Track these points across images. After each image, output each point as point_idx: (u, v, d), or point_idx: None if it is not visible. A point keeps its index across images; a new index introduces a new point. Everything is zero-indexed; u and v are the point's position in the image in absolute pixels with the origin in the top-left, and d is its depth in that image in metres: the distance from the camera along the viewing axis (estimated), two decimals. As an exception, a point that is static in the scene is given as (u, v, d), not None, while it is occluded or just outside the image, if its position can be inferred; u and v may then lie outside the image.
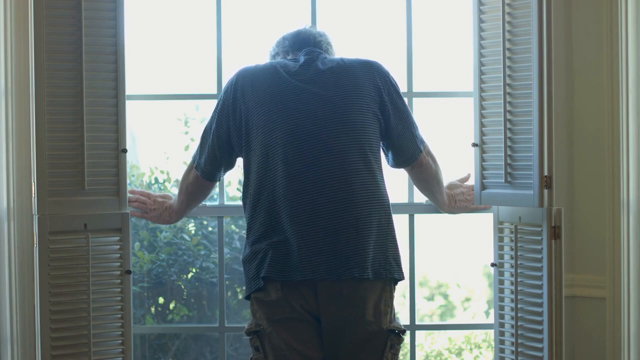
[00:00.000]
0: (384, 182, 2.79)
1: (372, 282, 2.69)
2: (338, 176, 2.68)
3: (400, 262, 2.78)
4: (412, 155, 2.92)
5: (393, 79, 2.88)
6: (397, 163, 2.94)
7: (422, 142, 2.94)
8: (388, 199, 2.79)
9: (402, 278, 2.77)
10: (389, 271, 2.72)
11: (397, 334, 2.75)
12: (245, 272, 2.78)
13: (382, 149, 2.89)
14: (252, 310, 2.75)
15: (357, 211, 2.68)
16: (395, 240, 2.78)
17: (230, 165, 2.96)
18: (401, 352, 5.50)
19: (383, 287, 2.72)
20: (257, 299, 2.72)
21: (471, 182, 3.22)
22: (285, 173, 2.69)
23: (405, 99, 3.31)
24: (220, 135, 2.87)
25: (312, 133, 2.70)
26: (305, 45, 2.91)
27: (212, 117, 2.91)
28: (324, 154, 2.69)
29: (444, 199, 3.12)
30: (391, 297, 2.76)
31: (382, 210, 2.73)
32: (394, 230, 2.78)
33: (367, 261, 2.67)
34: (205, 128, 2.94)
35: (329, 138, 2.70)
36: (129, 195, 3.13)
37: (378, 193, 2.73)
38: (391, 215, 2.78)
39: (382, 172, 2.79)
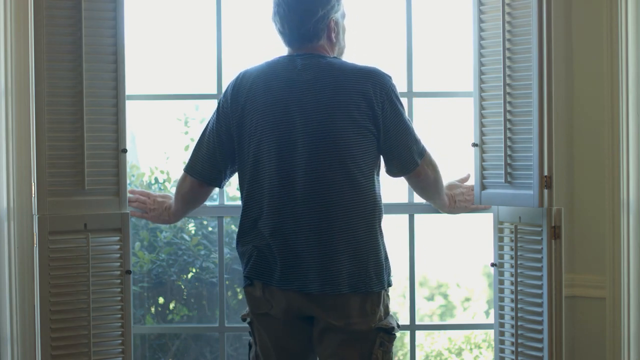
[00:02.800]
0: (373, 195, 2.73)
1: (351, 294, 2.70)
2: (317, 195, 2.68)
3: (382, 273, 2.73)
4: (407, 167, 2.85)
5: (391, 88, 2.77)
6: (392, 173, 2.88)
7: (422, 154, 2.86)
8: (375, 212, 2.73)
9: (382, 289, 2.74)
10: (368, 285, 2.70)
11: (386, 331, 2.74)
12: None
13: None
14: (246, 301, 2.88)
15: (333, 230, 2.68)
16: (379, 251, 2.74)
17: (232, 169, 2.92)
18: (401, 352, 5.50)
19: (366, 293, 2.72)
20: (247, 292, 2.82)
21: (471, 182, 3.22)
22: (269, 188, 2.72)
23: (405, 99, 3.31)
24: (221, 137, 2.85)
25: (296, 149, 2.69)
26: (299, 37, 2.80)
27: (210, 121, 2.89)
28: (306, 172, 2.68)
29: (443, 201, 3.11)
30: (379, 298, 2.74)
31: (364, 225, 2.70)
32: (378, 241, 2.74)
33: (340, 278, 2.68)
34: (203, 133, 2.91)
35: (312, 155, 2.68)
36: (128, 195, 3.13)
37: (361, 208, 2.70)
38: (376, 227, 2.74)
39: (371, 184, 2.74)
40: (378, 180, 2.80)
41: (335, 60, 2.80)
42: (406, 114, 2.82)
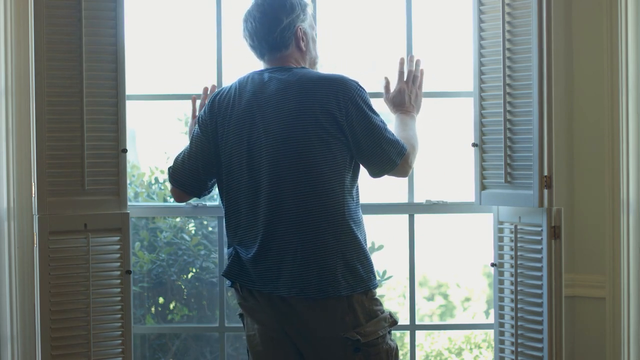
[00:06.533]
0: (341, 199, 2.72)
1: (320, 298, 2.70)
2: (283, 205, 2.71)
3: (352, 277, 2.71)
4: (386, 169, 2.83)
5: (357, 93, 2.74)
6: (373, 175, 2.86)
7: (401, 153, 2.82)
8: (345, 216, 2.72)
9: (352, 292, 2.70)
10: (336, 289, 2.69)
11: (356, 341, 2.69)
12: None
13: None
14: None
15: (304, 236, 2.70)
16: (349, 256, 2.71)
17: (213, 181, 2.94)
18: (401, 352, 5.51)
19: (336, 298, 2.70)
20: (234, 289, 2.88)
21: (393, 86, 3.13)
22: (244, 198, 2.77)
23: (405, 99, 3.31)
24: (204, 149, 2.87)
25: (261, 161, 2.73)
26: (268, 48, 2.85)
27: (193, 134, 2.92)
28: (270, 183, 2.72)
29: (415, 125, 3.05)
30: (349, 306, 2.71)
31: (332, 230, 2.70)
32: (349, 246, 2.72)
33: (308, 281, 2.69)
34: (188, 147, 2.93)
35: (274, 166, 2.71)
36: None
37: (327, 214, 2.70)
38: (347, 232, 2.72)
39: (340, 189, 2.72)
40: (351, 184, 2.78)
41: (301, 71, 2.81)
42: (379, 117, 2.78)
